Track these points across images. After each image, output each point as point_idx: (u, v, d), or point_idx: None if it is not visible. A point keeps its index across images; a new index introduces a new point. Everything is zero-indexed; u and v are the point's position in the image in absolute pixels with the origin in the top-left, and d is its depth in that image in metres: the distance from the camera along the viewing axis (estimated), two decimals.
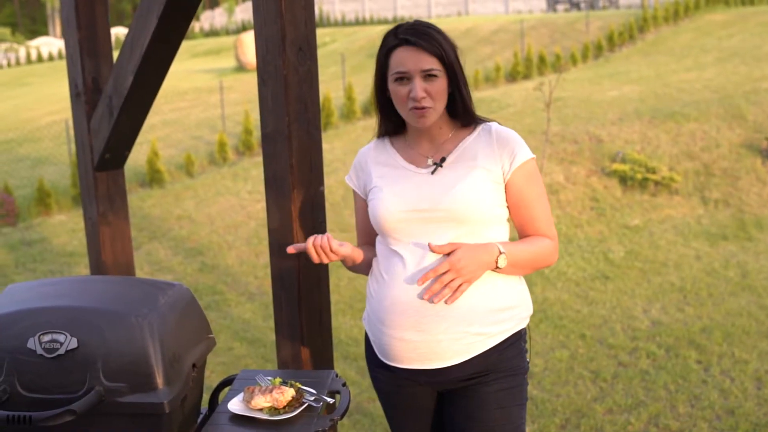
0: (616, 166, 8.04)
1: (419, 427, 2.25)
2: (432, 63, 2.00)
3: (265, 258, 7.11)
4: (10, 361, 1.74)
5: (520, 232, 2.13)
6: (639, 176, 7.87)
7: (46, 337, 1.72)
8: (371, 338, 2.17)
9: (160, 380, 1.71)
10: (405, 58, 2.01)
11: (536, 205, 2.09)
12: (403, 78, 2.02)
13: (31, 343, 1.73)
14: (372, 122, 12.08)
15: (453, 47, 2.06)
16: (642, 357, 4.76)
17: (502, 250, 2.01)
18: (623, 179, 8.01)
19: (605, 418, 4.04)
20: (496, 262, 2.00)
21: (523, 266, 2.07)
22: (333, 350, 2.46)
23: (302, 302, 2.34)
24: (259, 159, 10.40)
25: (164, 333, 1.75)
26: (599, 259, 6.67)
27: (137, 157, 9.86)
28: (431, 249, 1.98)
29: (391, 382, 2.18)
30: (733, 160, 8.34)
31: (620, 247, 6.91)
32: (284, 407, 1.81)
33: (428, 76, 2.01)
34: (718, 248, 6.82)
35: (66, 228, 8.04)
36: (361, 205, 2.22)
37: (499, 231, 2.09)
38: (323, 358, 2.39)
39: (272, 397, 1.81)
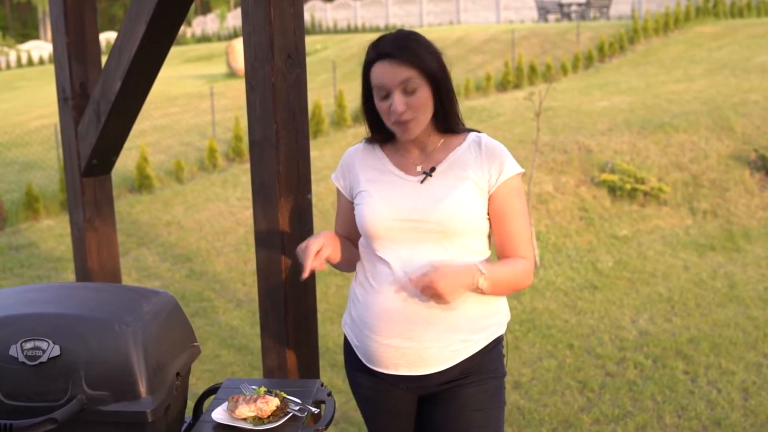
0: (606, 176, 8.06)
1: (399, 430, 2.25)
2: (409, 73, 1.99)
3: (253, 265, 7.08)
4: None
5: (499, 247, 2.12)
6: (628, 186, 7.89)
7: (29, 345, 1.71)
8: (355, 343, 2.17)
9: (143, 389, 1.70)
10: (383, 73, 2.01)
11: (516, 221, 2.08)
12: (385, 93, 2.02)
13: (13, 350, 1.71)
14: (362, 130, 12.08)
15: (435, 55, 2.04)
16: (629, 367, 4.76)
17: (483, 270, 1.98)
18: (612, 189, 8.03)
19: (592, 428, 4.04)
20: (477, 283, 1.98)
21: (502, 287, 2.05)
22: (319, 359, 2.45)
23: (288, 311, 2.33)
24: (249, 165, 10.34)
25: (148, 341, 1.74)
26: (588, 268, 6.68)
27: (126, 163, 9.83)
28: (410, 280, 1.95)
29: (372, 386, 2.19)
30: (721, 172, 8.38)
31: (609, 257, 6.92)
32: (268, 417, 1.80)
33: (408, 88, 2.00)
34: (706, 259, 6.84)
35: (54, 233, 8.00)
36: (344, 205, 2.23)
37: (486, 243, 2.10)
38: (309, 367, 2.38)
39: (256, 406, 1.80)
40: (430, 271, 1.93)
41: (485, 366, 2.12)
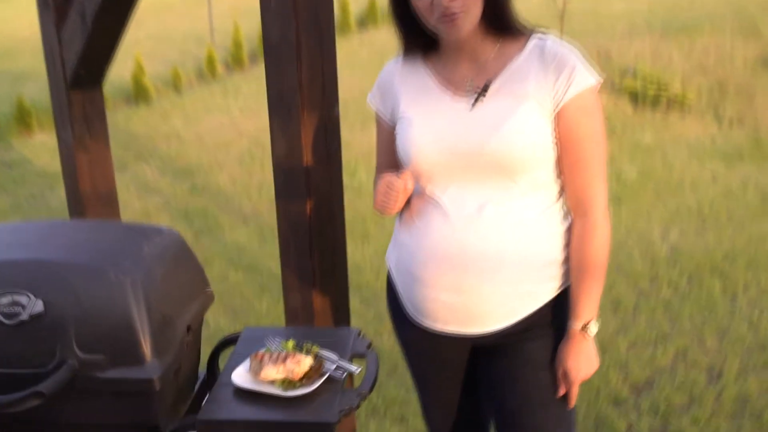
0: (627, 82, 7.64)
1: (449, 382, 1.95)
2: None
3: (258, 178, 6.78)
4: None
5: (565, 179, 1.73)
6: (651, 92, 7.48)
7: (5, 299, 1.39)
8: (401, 293, 1.85)
9: (147, 350, 1.39)
10: None
11: (586, 148, 1.67)
12: None
13: None
14: (370, 36, 11.55)
15: None
16: (663, 286, 4.48)
17: (586, 319, 1.74)
18: (634, 96, 7.62)
19: (629, 353, 3.78)
20: (593, 334, 1.76)
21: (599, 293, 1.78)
22: (349, 297, 2.13)
23: (314, 243, 2.00)
24: (251, 74, 9.96)
25: (151, 291, 1.42)
26: (611, 179, 6.32)
27: (121, 73, 9.38)
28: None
29: (421, 337, 1.86)
30: (748, 77, 7.94)
31: (632, 167, 6.57)
32: (300, 379, 1.49)
33: None
34: (734, 169, 6.49)
35: (47, 148, 7.64)
36: (386, 133, 1.85)
37: (554, 173, 1.73)
38: (339, 308, 2.07)
39: (286, 367, 1.49)
40: (563, 378, 1.78)
41: (555, 318, 1.77)
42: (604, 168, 1.70)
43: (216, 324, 4.31)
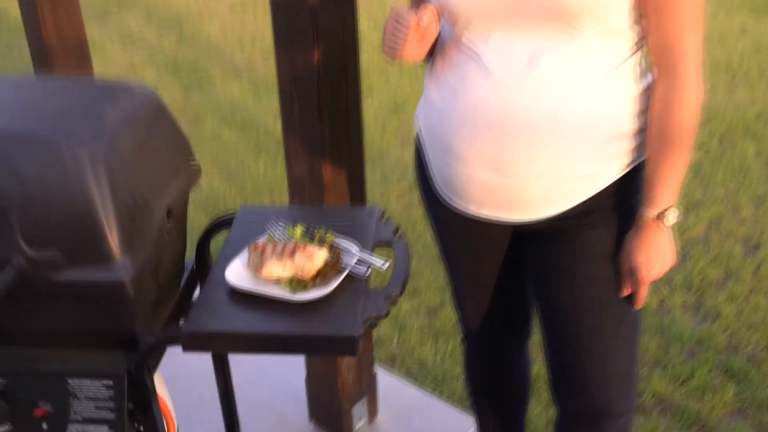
0: None
1: (485, 269, 1.63)
2: None
3: (252, 28, 6.34)
4: None
5: (645, 26, 1.33)
6: None
7: None
8: (430, 163, 1.50)
9: (115, 245, 1.06)
10: None
11: None
12: None
13: None
14: None
15: None
16: (693, 147, 4.15)
17: (665, 206, 1.37)
18: None
19: None
20: (670, 222, 1.40)
21: (682, 175, 1.41)
22: (365, 162, 1.79)
23: (323, 102, 1.64)
24: None
25: (117, 167, 1.08)
26: None
27: None
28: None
29: (452, 218, 1.53)
30: None
31: None
32: (313, 278, 1.18)
33: None
34: (764, 21, 6.03)
35: None
36: None
37: (629, 18, 1.34)
38: (354, 180, 1.73)
39: (294, 264, 1.17)
40: (629, 275, 1.44)
41: (619, 201, 1.43)
42: (701, 11, 1.31)
43: (209, 187, 4.01)
